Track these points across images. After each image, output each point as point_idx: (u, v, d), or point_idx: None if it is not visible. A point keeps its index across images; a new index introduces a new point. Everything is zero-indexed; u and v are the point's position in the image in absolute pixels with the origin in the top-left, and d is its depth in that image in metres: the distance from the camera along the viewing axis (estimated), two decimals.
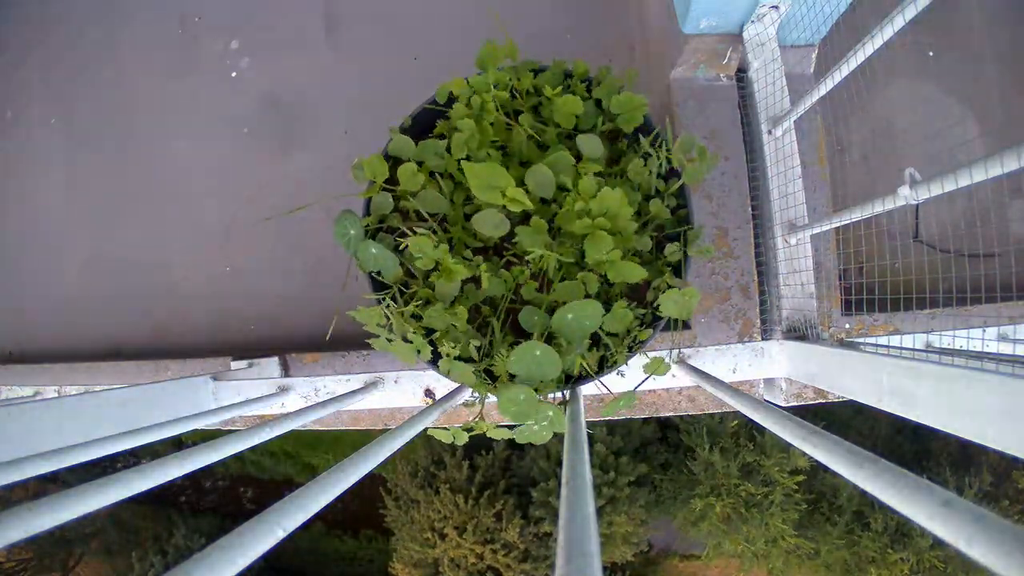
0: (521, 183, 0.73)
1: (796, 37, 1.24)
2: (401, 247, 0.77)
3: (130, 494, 0.50)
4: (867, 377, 0.83)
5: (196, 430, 0.89)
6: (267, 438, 0.72)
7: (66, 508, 0.44)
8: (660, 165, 0.80)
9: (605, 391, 0.83)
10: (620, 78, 0.85)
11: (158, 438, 0.74)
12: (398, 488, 5.96)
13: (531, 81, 0.85)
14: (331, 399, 0.98)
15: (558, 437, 0.73)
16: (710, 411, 1.30)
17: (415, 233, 0.74)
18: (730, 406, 0.75)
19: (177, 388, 1.13)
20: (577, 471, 0.42)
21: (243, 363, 1.36)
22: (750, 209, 1.27)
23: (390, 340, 0.76)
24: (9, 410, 0.78)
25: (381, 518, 6.20)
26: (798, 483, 4.88)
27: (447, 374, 0.76)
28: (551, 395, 0.75)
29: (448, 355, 0.73)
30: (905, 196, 0.75)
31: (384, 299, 0.76)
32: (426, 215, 0.79)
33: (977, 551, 0.30)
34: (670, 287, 0.76)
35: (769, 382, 1.27)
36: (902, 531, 4.92)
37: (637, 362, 0.83)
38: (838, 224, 0.98)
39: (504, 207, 0.71)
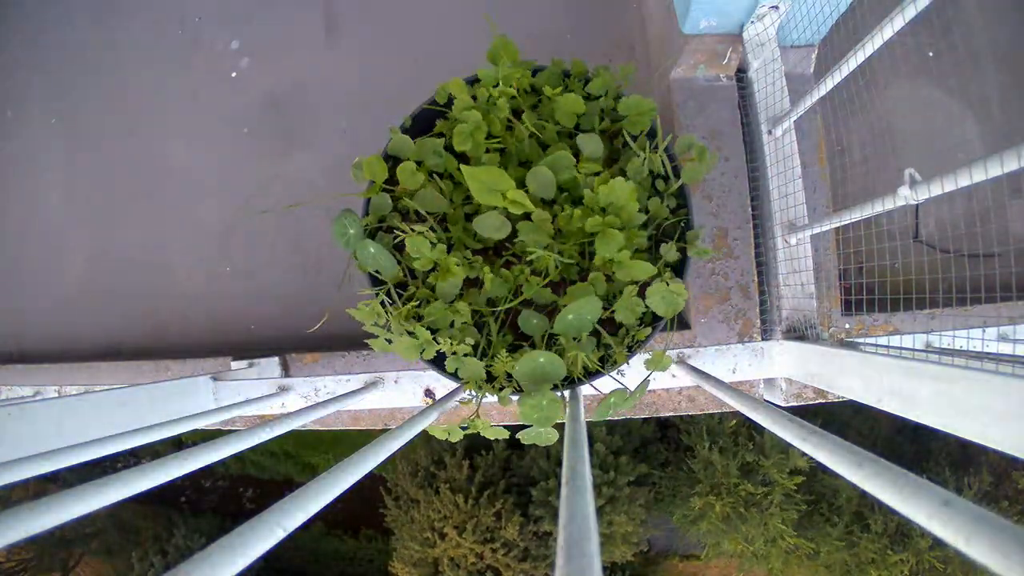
0: (522, 184, 0.73)
1: (796, 37, 1.24)
2: (397, 240, 0.77)
3: (130, 494, 0.50)
4: (867, 377, 0.83)
5: (196, 430, 0.89)
6: (267, 438, 0.72)
7: (66, 508, 0.44)
8: (661, 165, 0.80)
9: (605, 392, 0.83)
10: (618, 73, 0.85)
11: (158, 438, 0.74)
12: (398, 488, 5.96)
13: (530, 80, 0.85)
14: (331, 399, 0.98)
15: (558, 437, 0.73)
16: (710, 411, 1.30)
17: (414, 232, 0.74)
18: (730, 406, 0.75)
19: (177, 388, 1.13)
20: (577, 471, 0.42)
21: (243, 363, 1.36)
22: (750, 209, 1.28)
23: (389, 341, 0.76)
24: (9, 410, 0.78)
25: (381, 518, 6.19)
26: (797, 484, 4.88)
27: (454, 373, 0.76)
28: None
29: (456, 353, 0.73)
30: (905, 196, 0.75)
31: (379, 295, 0.76)
32: (425, 215, 0.79)
33: (977, 551, 0.30)
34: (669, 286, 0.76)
35: (769, 382, 1.27)
36: (902, 532, 4.92)
37: (638, 362, 0.83)
38: (838, 224, 0.98)
39: (505, 209, 0.71)
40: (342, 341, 1.42)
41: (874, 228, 1.16)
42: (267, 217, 1.71)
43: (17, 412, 0.79)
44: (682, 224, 0.81)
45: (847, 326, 1.26)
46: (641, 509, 5.56)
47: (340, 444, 7.24)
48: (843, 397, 0.95)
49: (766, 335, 1.25)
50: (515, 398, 0.75)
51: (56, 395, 1.56)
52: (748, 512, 4.96)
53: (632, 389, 0.75)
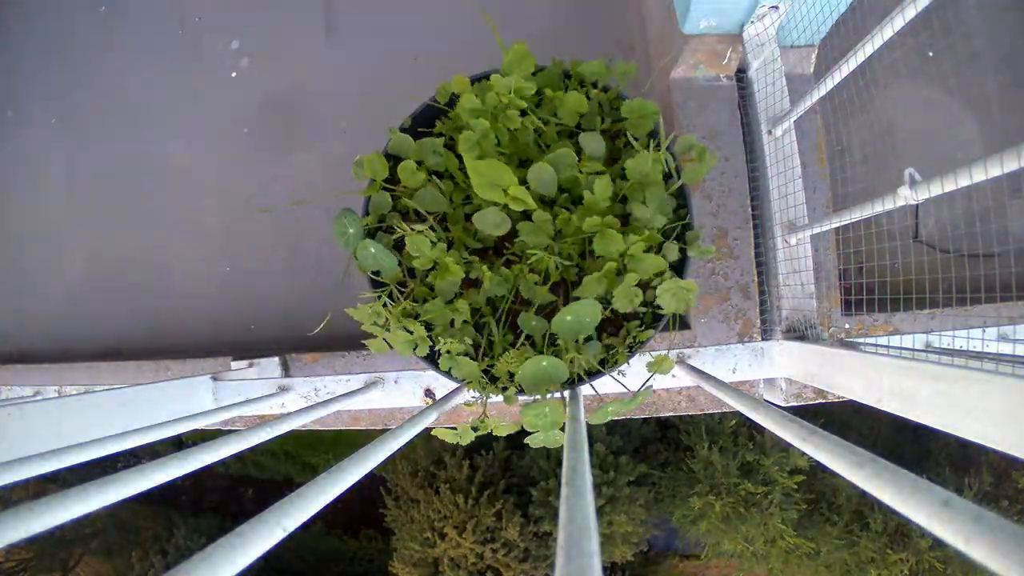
0: (523, 182, 0.73)
1: (796, 37, 1.24)
2: (396, 236, 0.77)
3: (130, 494, 0.50)
4: (867, 377, 0.83)
5: (196, 430, 0.89)
6: (267, 438, 0.72)
7: (66, 508, 0.44)
8: (664, 165, 0.80)
9: (605, 391, 0.83)
10: (616, 71, 0.85)
11: (158, 438, 0.74)
12: (398, 488, 5.96)
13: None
14: (331, 399, 0.98)
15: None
16: (710, 411, 1.30)
17: (414, 232, 0.74)
18: (730, 406, 0.75)
19: (177, 388, 1.13)
20: (577, 471, 0.42)
21: (243, 363, 1.36)
22: (750, 209, 1.28)
23: (388, 342, 0.76)
24: (9, 410, 0.78)
25: (381, 518, 6.19)
26: (797, 483, 4.88)
27: (447, 371, 0.76)
28: (551, 395, 0.75)
29: (449, 352, 0.73)
30: (905, 196, 0.75)
31: (381, 296, 0.76)
32: (425, 214, 0.79)
33: (976, 551, 0.30)
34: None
35: (769, 382, 1.27)
36: (901, 531, 4.93)
37: (638, 362, 0.83)
38: (838, 224, 0.98)
39: (505, 206, 0.71)
40: (342, 341, 1.42)
41: (874, 228, 1.16)
42: (267, 217, 1.71)
43: (17, 412, 0.79)
44: (682, 224, 0.81)
45: (847, 326, 1.26)
46: (641, 509, 5.56)
47: (340, 444, 7.24)
48: (843, 397, 0.95)
49: (766, 335, 1.25)
50: (522, 399, 0.75)
51: (56, 395, 1.56)
52: (748, 512, 4.96)
53: (633, 390, 0.75)
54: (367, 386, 1.26)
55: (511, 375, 0.75)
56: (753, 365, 1.19)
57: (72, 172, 1.89)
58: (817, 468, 5.00)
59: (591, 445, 5.02)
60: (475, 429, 0.78)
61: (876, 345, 0.96)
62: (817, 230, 1.09)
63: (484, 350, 0.79)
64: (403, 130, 0.87)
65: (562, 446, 0.52)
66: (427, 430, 0.78)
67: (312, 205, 1.67)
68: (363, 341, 0.78)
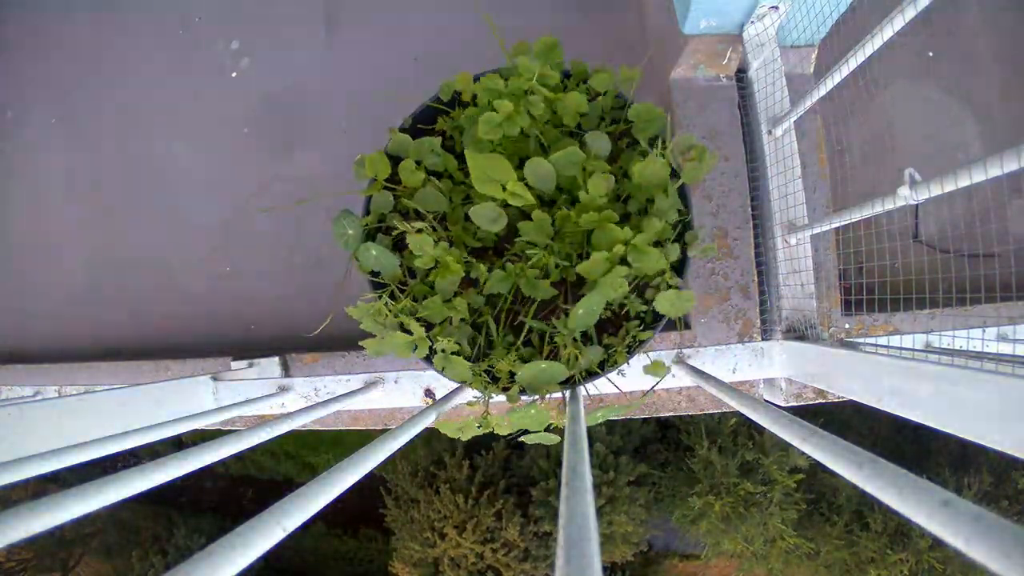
0: (522, 178, 0.73)
1: (796, 37, 1.24)
2: (396, 236, 0.77)
3: (130, 494, 0.50)
4: (867, 377, 0.83)
5: (196, 430, 0.89)
6: (267, 438, 0.72)
7: (66, 508, 0.44)
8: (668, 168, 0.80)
9: (605, 391, 0.83)
10: (619, 76, 0.85)
11: (158, 438, 0.74)
12: (398, 488, 5.96)
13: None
14: (331, 399, 0.98)
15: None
16: (710, 411, 1.30)
17: (415, 231, 0.74)
18: (730, 406, 0.75)
19: (177, 388, 1.13)
20: (577, 471, 0.42)
21: (243, 363, 1.36)
22: (750, 209, 1.28)
23: (385, 345, 0.76)
24: (9, 410, 0.78)
25: (381, 518, 6.19)
26: (797, 482, 4.88)
27: (441, 371, 0.76)
28: (551, 395, 0.75)
29: (444, 351, 0.73)
30: (905, 196, 0.75)
31: (382, 298, 0.76)
32: (425, 214, 0.79)
33: (976, 551, 0.30)
34: (671, 286, 0.76)
35: (769, 382, 1.27)
36: (901, 531, 4.93)
37: (637, 362, 0.83)
38: (838, 224, 0.98)
39: (503, 202, 0.71)
40: (342, 341, 1.42)
41: (874, 228, 1.16)
42: (267, 217, 1.71)
43: (17, 412, 0.79)
44: (682, 223, 0.81)
45: (847, 326, 1.26)
46: (641, 509, 5.56)
47: (340, 444, 7.24)
48: (843, 397, 0.95)
49: (766, 335, 1.25)
50: (524, 398, 0.75)
51: (56, 395, 1.56)
52: (748, 512, 4.97)
53: (632, 391, 0.75)
54: (367, 386, 1.26)
55: (512, 374, 0.75)
56: (753, 365, 1.19)
57: (72, 172, 1.89)
58: (817, 468, 5.00)
59: (591, 445, 5.03)
60: (479, 426, 0.78)
61: (876, 345, 0.96)
62: (817, 230, 1.09)
63: (483, 350, 0.79)
64: (403, 130, 0.87)
65: (562, 445, 0.52)
66: (427, 430, 0.78)
67: (312, 205, 1.67)
68: (360, 343, 0.78)
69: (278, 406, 1.30)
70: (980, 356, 0.92)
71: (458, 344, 0.74)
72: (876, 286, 1.17)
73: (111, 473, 0.48)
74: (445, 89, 0.87)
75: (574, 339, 0.74)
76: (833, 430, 0.47)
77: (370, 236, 0.82)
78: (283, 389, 1.30)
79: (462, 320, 0.77)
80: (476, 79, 0.84)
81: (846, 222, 0.95)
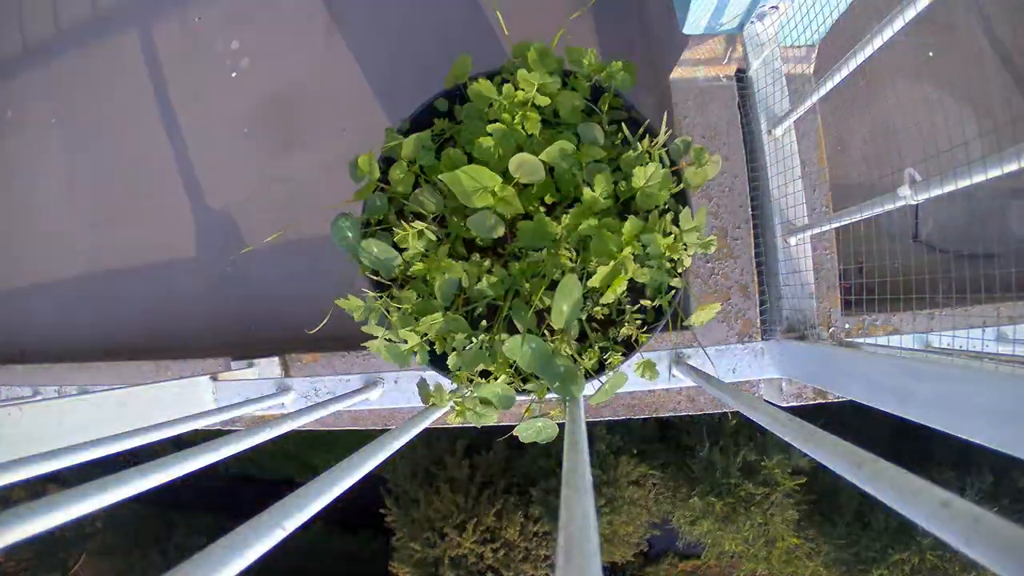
0: (510, 178, 0.72)
1: (796, 37, 1.24)
2: (397, 236, 0.77)
3: (130, 494, 0.50)
4: (867, 377, 0.83)
5: (196, 430, 0.89)
6: (267, 438, 0.72)
7: (66, 508, 0.44)
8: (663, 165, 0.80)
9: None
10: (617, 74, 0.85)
11: (158, 438, 0.74)
12: (398, 488, 5.95)
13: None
14: (331, 399, 0.98)
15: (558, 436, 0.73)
16: (710, 411, 1.30)
17: (413, 229, 0.74)
18: (730, 407, 0.75)
19: (177, 388, 1.13)
20: (577, 471, 0.42)
21: (243, 363, 1.36)
22: (750, 209, 1.27)
23: (390, 340, 0.76)
24: (9, 410, 0.78)
25: (381, 518, 6.19)
26: (799, 484, 4.87)
27: (457, 369, 0.75)
28: (551, 396, 0.75)
29: (456, 348, 0.73)
30: (905, 196, 0.75)
31: (383, 297, 0.76)
32: (424, 212, 0.79)
33: (977, 551, 0.30)
34: (671, 288, 0.76)
35: (769, 382, 1.27)
36: (902, 530, 4.92)
37: (636, 362, 0.83)
38: (838, 224, 0.98)
39: (497, 207, 0.71)
40: (342, 341, 1.42)
41: (874, 228, 1.16)
42: (267, 217, 1.71)
43: (17, 412, 0.79)
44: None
45: (847, 326, 1.26)
46: (641, 509, 5.56)
47: (340, 444, 7.24)
48: (843, 397, 0.95)
49: (766, 335, 1.25)
50: (521, 398, 0.75)
51: (56, 395, 1.56)
52: (748, 512, 4.96)
53: (633, 391, 0.75)
54: (367, 386, 1.26)
55: (513, 371, 0.75)
56: (753, 365, 1.19)
57: (72, 172, 1.89)
58: (818, 468, 4.99)
59: (591, 445, 5.02)
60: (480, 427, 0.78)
61: (876, 345, 0.96)
62: (817, 230, 1.09)
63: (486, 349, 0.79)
64: (402, 132, 0.87)
65: (562, 445, 0.52)
66: (427, 430, 0.78)
67: (312, 205, 1.67)
68: (363, 344, 0.78)
69: (278, 406, 1.30)
70: (980, 356, 0.92)
71: (463, 337, 0.74)
72: (876, 286, 1.17)
73: (111, 473, 0.48)
74: (450, 78, 0.86)
75: (571, 342, 0.74)
76: (833, 430, 0.47)
77: (370, 235, 0.82)
78: (283, 389, 1.30)
79: (457, 316, 0.77)
80: (473, 79, 0.84)
81: (846, 222, 0.95)
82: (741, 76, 1.32)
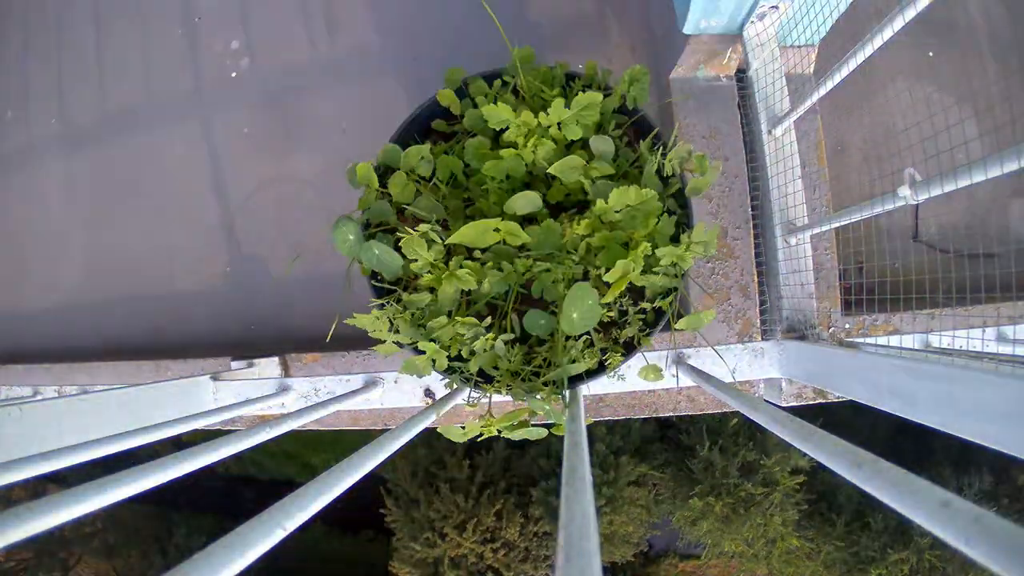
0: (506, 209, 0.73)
1: (796, 37, 1.24)
2: (398, 237, 0.77)
3: (130, 494, 0.50)
4: (867, 377, 0.83)
5: (196, 430, 0.89)
6: (267, 438, 0.72)
7: (66, 508, 0.44)
8: (663, 166, 0.80)
9: (605, 391, 0.83)
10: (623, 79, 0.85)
11: (158, 438, 0.74)
12: (398, 488, 5.95)
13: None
14: (331, 399, 0.98)
15: (558, 435, 0.73)
16: (710, 411, 1.30)
17: (415, 233, 0.74)
18: (730, 406, 0.75)
19: (177, 388, 1.13)
20: (577, 471, 0.42)
21: (243, 363, 1.36)
22: (750, 209, 1.27)
23: (399, 344, 0.76)
24: (9, 410, 0.78)
25: (381, 518, 6.18)
26: (799, 483, 4.87)
27: (478, 371, 0.75)
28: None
29: (475, 353, 0.74)
30: (905, 196, 0.75)
31: (387, 303, 0.76)
32: (427, 217, 0.79)
33: (977, 551, 0.30)
34: (673, 289, 0.76)
35: (769, 382, 1.27)
36: (901, 530, 4.92)
37: (637, 362, 0.83)
38: (838, 224, 0.98)
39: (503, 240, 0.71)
40: (342, 341, 1.42)
41: (874, 228, 1.16)
42: (267, 217, 1.71)
43: (17, 412, 0.79)
44: (683, 224, 0.81)
45: (847, 326, 1.26)
46: (641, 509, 5.56)
47: (340, 444, 7.23)
48: (843, 397, 0.95)
49: (766, 335, 1.25)
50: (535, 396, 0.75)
51: (56, 395, 1.56)
52: (748, 512, 4.96)
53: (632, 391, 0.75)
54: (367, 386, 1.26)
55: (515, 374, 0.75)
56: (753, 365, 1.19)
57: (72, 172, 1.89)
58: (818, 468, 4.99)
59: (591, 445, 5.02)
60: (477, 436, 0.78)
61: (876, 345, 0.96)
62: (817, 230, 1.09)
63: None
64: (401, 131, 0.87)
65: (562, 445, 0.52)
66: (427, 430, 0.78)
67: (312, 205, 1.67)
68: (373, 348, 0.78)
69: (278, 406, 1.30)
70: (980, 356, 0.92)
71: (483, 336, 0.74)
72: (876, 286, 1.17)
73: (111, 473, 0.48)
74: (448, 86, 0.86)
75: (565, 345, 0.74)
76: (833, 430, 0.47)
77: (371, 236, 0.82)
78: (283, 389, 1.30)
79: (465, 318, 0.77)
80: (464, 84, 0.84)
81: (846, 222, 0.95)
82: (741, 76, 1.32)
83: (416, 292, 0.77)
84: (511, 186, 0.79)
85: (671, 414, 1.31)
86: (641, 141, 0.81)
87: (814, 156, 1.29)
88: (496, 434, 0.78)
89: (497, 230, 0.69)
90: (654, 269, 0.73)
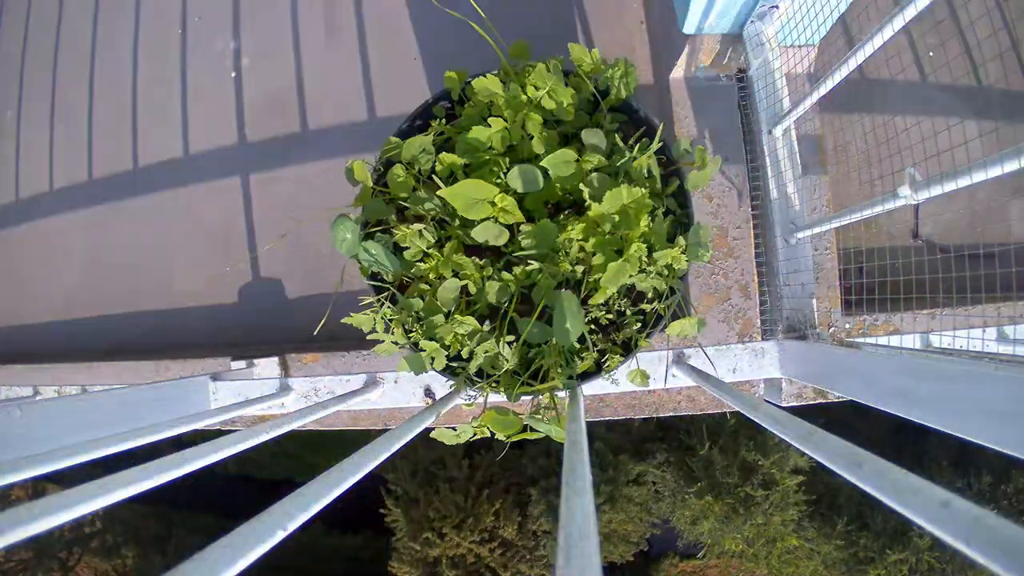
0: (507, 188, 0.72)
1: (796, 37, 1.24)
2: (397, 237, 0.77)
3: (130, 494, 0.49)
4: (867, 377, 0.83)
5: (196, 430, 0.89)
6: (267, 438, 0.72)
7: (66, 508, 0.44)
8: (663, 165, 0.80)
9: (604, 391, 0.83)
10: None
11: (158, 438, 0.74)
12: (398, 487, 5.95)
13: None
14: (331, 399, 0.98)
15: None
16: (710, 411, 1.30)
17: (412, 230, 0.74)
18: (730, 406, 0.75)
19: (177, 388, 1.13)
20: (577, 471, 0.42)
21: (243, 363, 1.36)
22: (750, 209, 1.27)
23: (397, 343, 0.76)
24: (9, 410, 0.78)
25: (381, 518, 6.19)
26: (798, 483, 4.87)
27: (478, 372, 0.75)
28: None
29: (478, 352, 0.73)
30: (905, 196, 0.75)
31: (383, 303, 0.76)
32: (424, 214, 0.79)
33: (977, 551, 0.30)
34: (672, 290, 0.76)
35: (769, 382, 1.27)
36: (901, 531, 4.92)
37: (637, 363, 0.83)
38: (838, 224, 0.98)
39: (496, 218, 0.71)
40: (342, 341, 1.42)
41: (874, 228, 1.16)
42: (267, 217, 1.71)
43: (17, 412, 0.79)
44: (682, 225, 0.81)
45: (847, 326, 1.26)
46: (640, 508, 5.56)
47: (340, 444, 7.23)
48: (843, 397, 0.95)
49: (766, 335, 1.25)
50: (525, 399, 0.75)
51: (56, 395, 1.56)
52: (748, 512, 4.96)
53: (632, 391, 0.75)
54: (367, 386, 1.26)
55: (515, 372, 0.75)
56: (753, 365, 1.19)
57: (71, 172, 1.89)
58: (817, 468, 4.99)
59: (591, 444, 5.02)
60: (473, 434, 0.78)
61: (876, 345, 0.96)
62: (817, 230, 1.09)
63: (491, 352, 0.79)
64: (400, 132, 0.87)
65: (562, 444, 0.52)
66: (427, 430, 0.78)
67: (312, 204, 1.67)
68: (373, 349, 0.78)
69: (278, 406, 1.30)
70: (980, 356, 0.92)
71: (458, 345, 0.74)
72: (876, 286, 1.17)
73: (111, 473, 0.48)
74: (448, 82, 0.86)
75: (562, 349, 0.74)
76: (833, 430, 0.47)
77: (369, 236, 0.82)
78: (283, 389, 1.30)
79: (464, 316, 0.77)
80: (467, 83, 0.84)
81: (846, 222, 0.95)
82: (741, 76, 1.32)
83: (417, 292, 0.77)
84: (515, 157, 0.79)
85: (671, 414, 1.31)
86: (641, 141, 0.81)
87: (814, 156, 1.29)
88: (489, 435, 0.78)
89: (493, 204, 0.69)
90: (649, 271, 0.73)
